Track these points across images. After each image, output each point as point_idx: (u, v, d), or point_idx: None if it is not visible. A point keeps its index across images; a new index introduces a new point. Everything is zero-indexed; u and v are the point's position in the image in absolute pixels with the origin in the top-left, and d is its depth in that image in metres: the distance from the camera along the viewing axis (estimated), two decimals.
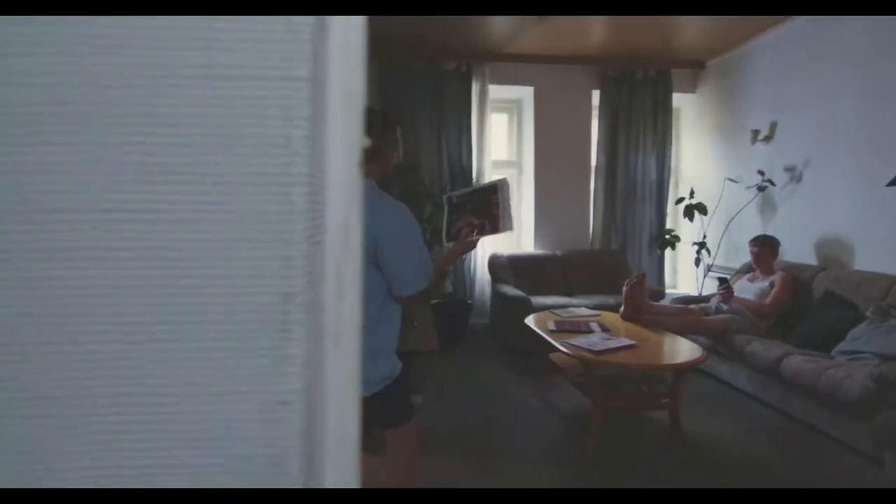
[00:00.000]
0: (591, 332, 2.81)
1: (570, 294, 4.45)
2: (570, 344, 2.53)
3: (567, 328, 2.90)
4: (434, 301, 4.46)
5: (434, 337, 3.01)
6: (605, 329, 2.87)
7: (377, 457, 1.67)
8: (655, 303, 3.54)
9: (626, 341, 2.56)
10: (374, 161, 1.60)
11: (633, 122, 4.88)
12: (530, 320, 3.20)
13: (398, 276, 1.48)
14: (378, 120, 1.63)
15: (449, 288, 4.60)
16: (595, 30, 4.14)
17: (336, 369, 0.31)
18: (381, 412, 1.62)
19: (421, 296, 1.52)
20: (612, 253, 4.90)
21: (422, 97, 4.57)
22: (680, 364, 2.41)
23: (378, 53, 4.47)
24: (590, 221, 5.02)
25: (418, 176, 4.47)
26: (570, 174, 4.95)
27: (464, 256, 4.59)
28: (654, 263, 5.02)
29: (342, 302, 0.31)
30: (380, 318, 1.54)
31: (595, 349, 2.42)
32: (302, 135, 0.24)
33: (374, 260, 1.49)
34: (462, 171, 4.66)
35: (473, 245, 1.81)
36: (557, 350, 2.59)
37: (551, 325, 2.97)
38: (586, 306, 3.88)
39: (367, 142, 1.32)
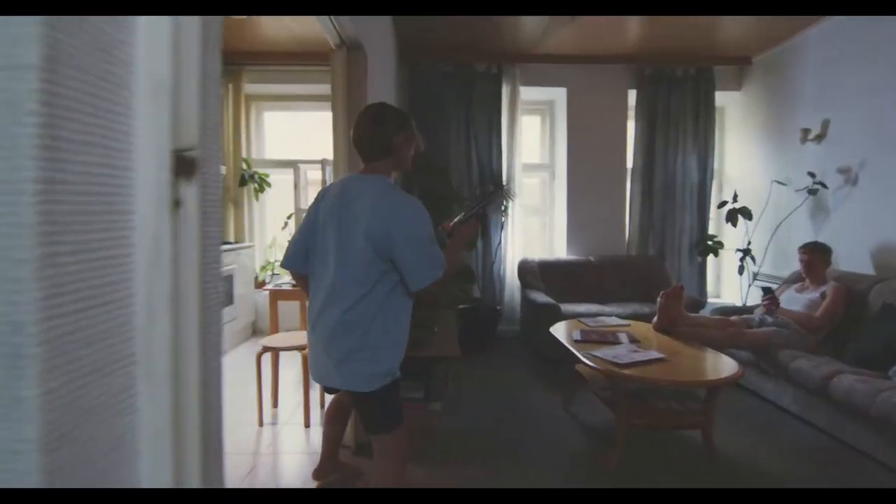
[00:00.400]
0: (618, 343, 2.68)
1: (603, 302, 4.29)
2: (594, 355, 2.41)
3: (593, 338, 2.78)
4: (462, 306, 4.41)
5: (455, 343, 2.95)
6: (634, 340, 2.73)
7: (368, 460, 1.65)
8: (693, 314, 3.34)
9: (655, 354, 2.42)
10: (386, 157, 1.62)
11: (672, 122, 4.66)
12: (556, 329, 3.09)
13: (414, 269, 1.50)
14: (390, 116, 1.62)
15: (477, 293, 4.53)
16: (631, 28, 3.98)
17: (151, 409, 0.27)
18: (371, 414, 1.61)
19: (437, 285, 1.53)
20: (650, 259, 4.69)
21: (451, 100, 4.53)
22: (712, 381, 2.25)
23: (406, 57, 4.47)
24: (625, 226, 4.83)
25: (447, 178, 4.43)
26: (604, 177, 4.78)
27: (493, 260, 4.52)
28: (695, 271, 4.77)
29: (154, 326, 0.26)
30: (382, 311, 1.54)
31: (620, 362, 2.29)
32: (30, 133, 0.20)
33: (384, 254, 1.51)
34: (492, 173, 4.58)
35: (472, 229, 1.87)
36: (581, 361, 2.47)
37: (576, 335, 2.85)
38: (620, 315, 3.72)
39: (381, 139, 1.58)
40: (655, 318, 3.02)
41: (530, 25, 3.93)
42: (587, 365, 2.38)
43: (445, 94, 4.52)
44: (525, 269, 4.49)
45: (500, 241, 4.55)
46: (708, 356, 2.52)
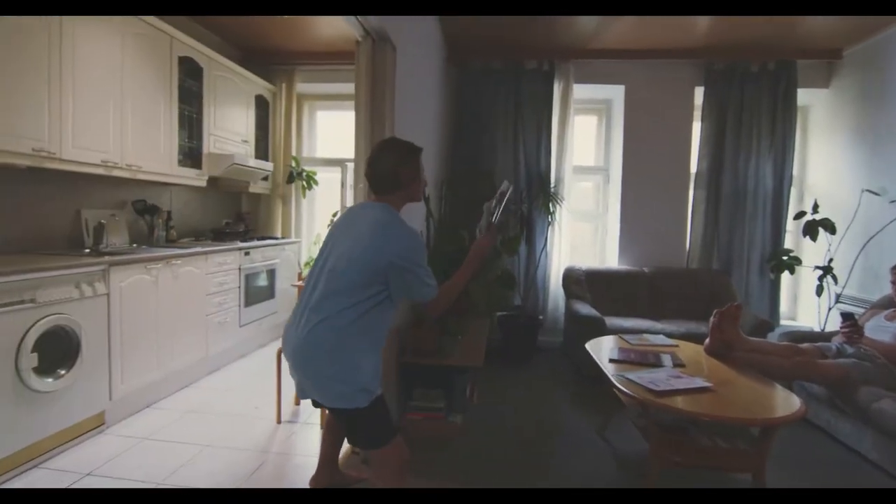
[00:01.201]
0: (659, 365, 2.39)
1: (654, 318, 3.94)
2: (627, 378, 2.15)
3: (632, 358, 2.50)
4: (501, 313, 4.22)
5: (480, 352, 2.77)
6: (678, 364, 2.43)
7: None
8: (755, 338, 2.95)
9: (700, 382, 2.12)
10: (395, 190, 1.69)
11: (744, 123, 4.21)
12: (593, 345, 2.83)
13: (415, 289, 1.58)
14: (396, 150, 1.70)
15: (517, 300, 4.31)
16: (699, 19, 3.62)
17: None
18: (358, 430, 1.61)
19: (430, 305, 1.64)
20: (713, 273, 4.26)
21: (499, 99, 4.35)
22: (764, 420, 1.93)
23: (454, 56, 4.34)
24: (686, 236, 4.42)
25: (490, 182, 4.25)
26: (664, 181, 4.40)
27: (536, 266, 4.29)
28: (766, 289, 4.28)
29: None
30: (360, 327, 1.54)
31: (656, 388, 2.03)
32: None
33: (379, 277, 1.55)
34: (539, 176, 4.35)
35: (486, 242, 1.88)
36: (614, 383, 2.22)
37: (614, 353, 2.58)
38: (670, 334, 3.39)
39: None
40: (707, 340, 2.69)
41: (585, 19, 3.68)
42: (618, 389, 2.12)
43: (494, 94, 4.35)
44: (570, 277, 4.22)
45: (544, 246, 4.30)
46: (764, 388, 2.18)
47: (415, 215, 2.87)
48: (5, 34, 2.22)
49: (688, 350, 2.75)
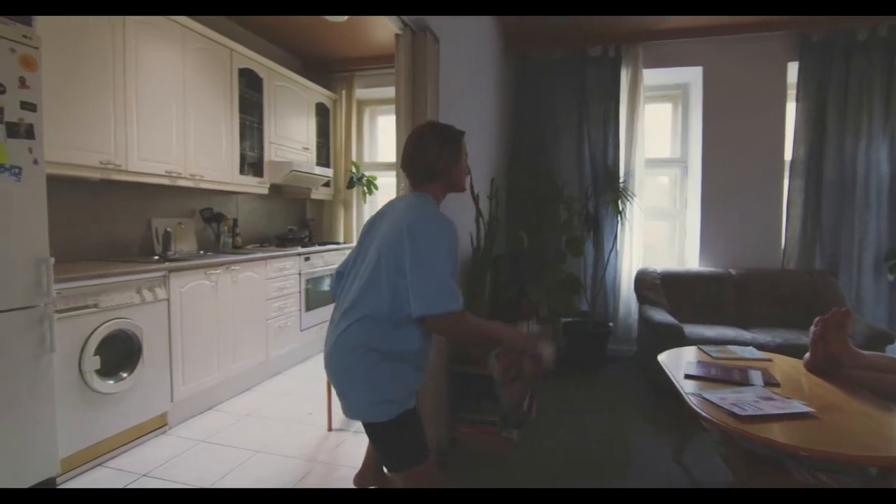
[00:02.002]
0: (747, 384, 2.05)
1: (743, 326, 3.49)
2: (706, 399, 1.85)
3: (713, 374, 2.17)
4: (565, 319, 3.95)
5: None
6: (771, 382, 2.07)
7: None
8: (870, 351, 2.48)
9: (799, 406, 1.77)
10: (432, 181, 1.53)
11: (851, 101, 3.64)
12: (667, 357, 2.52)
13: (418, 287, 1.31)
14: (432, 138, 1.53)
15: (584, 305, 4.01)
16: None
17: None
18: (381, 447, 1.45)
19: (445, 322, 1.31)
20: (816, 275, 3.71)
21: (561, 91, 4.09)
22: (886, 458, 1.56)
23: (511, 47, 4.14)
24: (781, 232, 3.90)
25: (552, 178, 4.00)
26: (752, 172, 3.91)
27: (604, 269, 3.97)
28: (883, 293, 3.67)
29: None
30: (389, 330, 1.38)
31: (741, 413, 1.71)
32: None
33: (397, 270, 1.36)
34: (607, 171, 4.03)
35: (522, 343, 1.51)
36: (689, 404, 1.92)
37: (692, 368, 2.26)
38: (761, 345, 2.97)
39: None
40: (807, 355, 2.29)
41: None
42: (695, 410, 1.83)
43: (554, 85, 4.10)
44: (644, 280, 3.85)
45: (613, 247, 3.97)
46: (883, 415, 1.78)
47: (463, 215, 2.72)
48: (73, 55, 2.35)
49: (783, 365, 2.36)
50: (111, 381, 2.29)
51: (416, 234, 1.34)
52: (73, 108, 2.37)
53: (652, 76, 4.02)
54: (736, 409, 1.73)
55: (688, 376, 2.17)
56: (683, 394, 1.96)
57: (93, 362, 2.19)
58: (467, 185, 1.66)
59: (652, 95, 4.22)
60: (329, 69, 4.79)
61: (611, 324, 4.07)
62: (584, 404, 3.15)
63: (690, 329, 3.34)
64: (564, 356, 3.81)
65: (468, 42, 3.04)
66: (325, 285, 4.17)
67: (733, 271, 3.85)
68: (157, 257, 2.97)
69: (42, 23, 2.16)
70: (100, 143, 2.51)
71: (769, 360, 2.44)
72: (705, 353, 2.57)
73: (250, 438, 2.57)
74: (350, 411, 1.41)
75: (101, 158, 2.52)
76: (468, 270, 2.73)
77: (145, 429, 2.52)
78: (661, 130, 4.44)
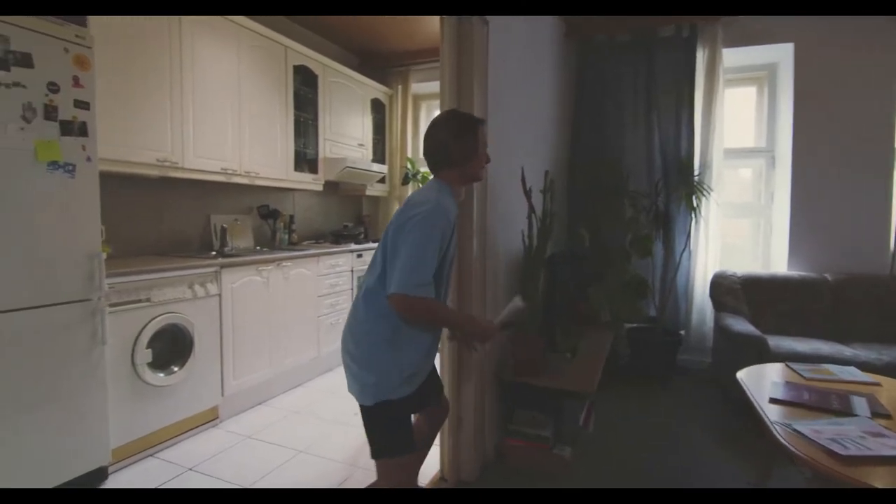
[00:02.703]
0: (849, 413, 1.73)
1: (842, 340, 3.04)
2: (797, 431, 1.56)
3: (806, 400, 1.85)
4: (630, 325, 3.65)
5: (594, 375, 2.33)
6: (879, 412, 1.73)
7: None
8: None
9: None
10: (448, 168, 1.52)
11: None
12: (748, 374, 2.21)
13: (393, 265, 1.34)
14: (449, 124, 1.53)
15: (652, 311, 3.69)
16: None
17: None
18: (367, 432, 1.47)
19: (401, 303, 1.31)
20: None
21: (628, 75, 3.77)
22: None
23: (574, 29, 3.86)
24: (890, 232, 3.37)
25: (619, 170, 3.70)
26: (853, 163, 3.41)
27: (676, 269, 3.62)
28: None
29: None
30: (384, 319, 1.39)
31: (843, 452, 1.42)
32: None
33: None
34: (679, 163, 3.66)
35: (484, 331, 1.60)
36: (774, 432, 1.64)
37: (779, 390, 1.95)
38: (872, 364, 2.58)
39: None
40: None
41: None
42: (782, 443, 1.55)
43: (621, 69, 3.78)
44: (722, 285, 3.47)
45: (686, 247, 3.61)
46: None
47: (516, 211, 2.54)
48: (129, 53, 2.42)
49: (894, 392, 1.98)
50: (162, 374, 2.34)
51: (405, 217, 1.36)
52: (130, 106, 2.43)
53: (732, 56, 3.61)
54: (835, 447, 1.44)
55: (774, 400, 1.87)
56: (768, 422, 1.67)
57: (145, 355, 2.24)
58: (483, 176, 1.66)
59: (733, 78, 3.79)
60: (385, 64, 4.74)
61: (682, 332, 3.71)
62: (649, 421, 2.87)
63: (776, 342, 2.95)
64: (628, 365, 3.52)
65: (523, 24, 2.84)
66: None
67: (829, 276, 3.38)
68: (214, 253, 3.03)
69: (97, 21, 2.22)
70: (156, 141, 2.57)
71: (877, 384, 2.07)
72: (795, 371, 2.22)
73: (296, 437, 2.54)
74: (352, 388, 1.47)
75: (158, 156, 2.58)
76: (519, 269, 2.55)
77: (197, 421, 2.56)
78: (742, 117, 3.98)
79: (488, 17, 2.21)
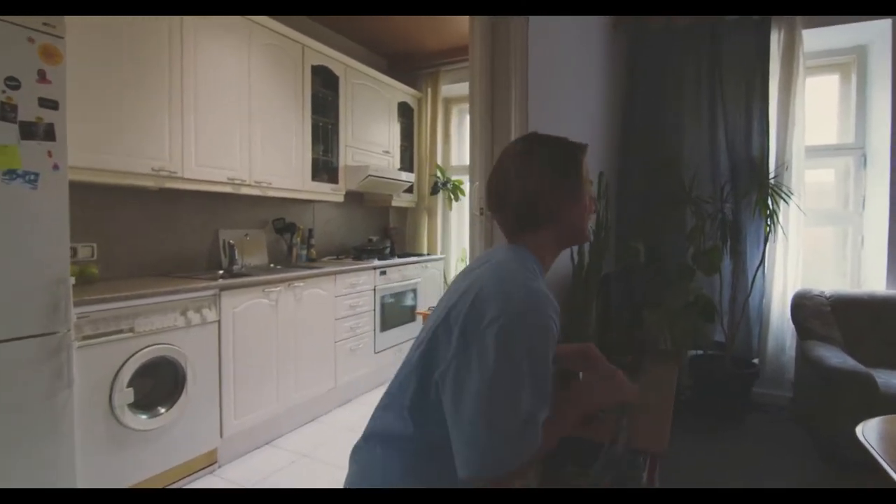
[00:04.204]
0: None
1: None
2: None
3: None
4: (693, 353, 3.13)
5: (665, 427, 1.86)
6: None
7: None
8: None
9: None
10: (536, 226, 0.96)
11: None
12: (870, 431, 1.69)
13: (454, 432, 0.79)
14: (537, 157, 0.96)
15: (719, 335, 3.16)
16: None
17: None
18: None
19: (495, 483, 0.78)
20: None
21: (687, 65, 3.28)
22: None
23: (624, 17, 3.42)
24: None
25: (677, 172, 3.21)
26: None
27: (748, 289, 3.08)
28: None
29: None
30: (409, 467, 0.88)
31: None
32: None
33: (430, 381, 0.86)
34: (750, 164, 3.15)
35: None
36: None
37: None
38: None
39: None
40: None
41: None
42: None
43: (679, 58, 3.30)
44: (807, 306, 2.92)
45: (761, 263, 3.07)
46: None
47: None
48: (121, 49, 2.15)
49: None
50: (145, 417, 2.01)
51: (470, 331, 0.80)
52: (119, 108, 2.16)
53: (814, 39, 3.08)
54: None
55: None
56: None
57: (125, 395, 1.93)
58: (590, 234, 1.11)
59: (813, 65, 3.26)
60: (414, 66, 4.41)
61: (755, 360, 3.17)
62: (721, 470, 2.36)
63: (885, 378, 2.40)
64: (692, 402, 3.00)
65: (567, 18, 2.43)
66: (405, 301, 3.76)
67: None
68: (221, 272, 2.73)
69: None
70: (152, 148, 2.29)
71: None
72: None
73: (302, 486, 2.18)
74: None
75: (154, 165, 2.30)
76: (566, 292, 2.12)
77: (191, 468, 2.23)
78: (821, 110, 3.42)
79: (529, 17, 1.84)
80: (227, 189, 2.69)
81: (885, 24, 2.95)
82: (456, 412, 0.78)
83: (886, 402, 2.21)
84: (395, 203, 4.20)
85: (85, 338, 1.80)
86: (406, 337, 3.74)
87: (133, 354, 1.96)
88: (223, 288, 2.33)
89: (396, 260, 3.71)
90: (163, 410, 2.07)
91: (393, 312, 3.60)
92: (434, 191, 4.37)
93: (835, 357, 2.48)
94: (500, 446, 0.76)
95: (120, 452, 1.93)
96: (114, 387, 1.89)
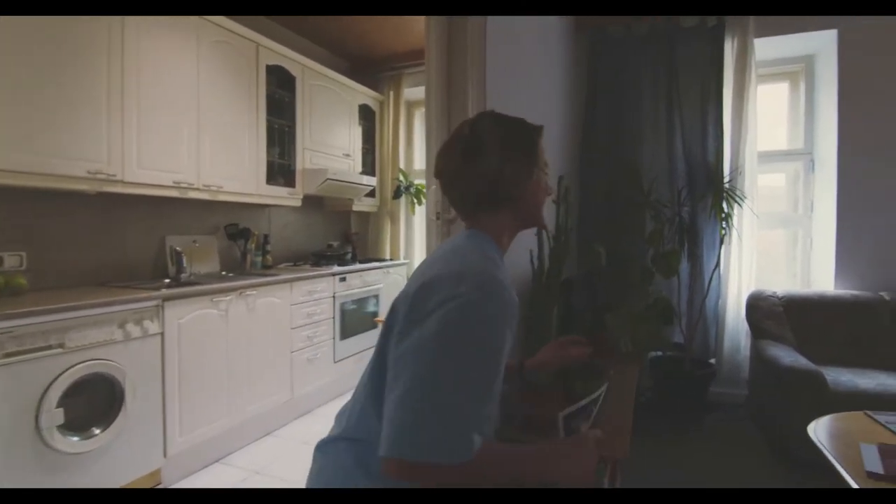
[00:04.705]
0: None
1: None
2: None
3: None
4: (653, 354, 3.16)
5: (625, 433, 1.85)
6: None
7: None
8: None
9: None
10: (492, 209, 0.94)
11: None
12: (820, 428, 1.72)
13: (388, 412, 0.73)
14: (491, 135, 0.93)
15: (678, 337, 3.20)
16: None
17: None
18: None
19: (412, 474, 0.71)
20: None
21: (646, 71, 3.33)
22: None
23: (586, 19, 3.44)
24: None
25: (636, 176, 3.24)
26: None
27: (705, 291, 3.13)
28: None
29: None
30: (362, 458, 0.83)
31: None
32: None
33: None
34: (706, 169, 3.21)
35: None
36: None
37: (874, 460, 1.46)
38: None
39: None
40: None
41: None
42: None
43: (638, 64, 3.35)
44: (760, 307, 2.99)
45: (717, 265, 3.13)
46: None
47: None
48: (54, 46, 2.00)
49: None
50: (77, 439, 1.86)
51: (416, 312, 0.77)
52: (48, 107, 2.00)
53: (766, 47, 3.17)
54: None
55: (873, 475, 1.39)
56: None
57: (54, 416, 1.77)
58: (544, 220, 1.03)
59: (763, 74, 3.36)
60: (376, 69, 4.34)
61: (712, 360, 3.22)
62: (681, 470, 2.37)
63: (833, 376, 2.47)
64: (652, 403, 3.02)
65: (527, 19, 2.42)
66: (367, 308, 3.67)
67: (886, 295, 2.90)
68: (168, 281, 2.59)
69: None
70: (88, 150, 2.14)
71: None
72: (882, 425, 1.73)
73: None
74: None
75: (90, 168, 2.15)
76: (528, 299, 2.08)
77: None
78: (772, 116, 3.54)
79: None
80: (174, 193, 2.55)
81: (831, 34, 3.06)
82: (390, 391, 0.74)
83: (836, 400, 2.26)
84: (356, 207, 4.11)
85: (7, 355, 1.65)
86: (368, 344, 3.64)
87: (63, 372, 1.81)
88: (166, 298, 2.19)
89: (357, 266, 3.61)
90: (97, 431, 1.92)
91: (354, 320, 3.50)
92: (397, 195, 4.30)
93: (787, 356, 2.53)
94: (419, 431, 0.70)
95: (49, 477, 1.78)
96: (41, 407, 1.74)
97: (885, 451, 1.51)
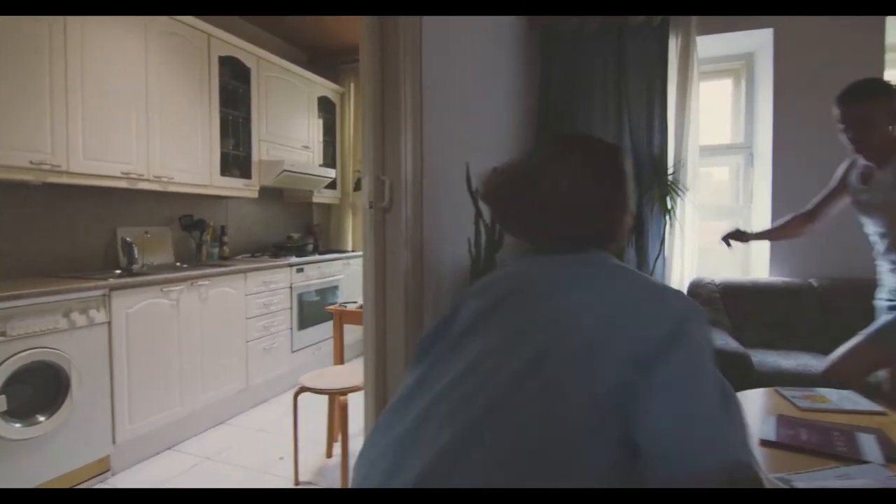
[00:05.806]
0: (858, 458, 1.38)
1: (829, 353, 2.72)
2: (791, 486, 1.20)
3: (804, 441, 1.51)
4: None
5: None
6: (894, 458, 1.39)
7: None
8: None
9: None
10: (608, 242, 0.89)
11: None
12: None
13: (680, 434, 0.62)
14: (607, 162, 0.89)
15: None
16: None
17: None
18: None
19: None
20: None
21: (596, 68, 3.44)
22: None
23: (537, 20, 3.54)
24: None
25: None
26: (838, 158, 3.12)
27: (650, 274, 3.26)
28: None
29: None
30: None
31: None
32: None
33: (618, 398, 0.66)
34: (651, 160, 3.35)
35: None
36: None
37: (770, 428, 1.60)
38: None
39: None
40: None
41: None
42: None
43: (589, 61, 3.45)
44: (699, 293, 3.15)
45: (660, 253, 3.28)
46: None
47: (459, 216, 2.17)
48: None
49: None
50: (19, 425, 1.88)
51: (675, 343, 0.68)
52: None
53: (707, 46, 3.32)
54: None
55: (766, 443, 1.52)
56: (763, 478, 1.31)
57: None
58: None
59: (707, 70, 3.51)
60: (335, 60, 4.36)
61: None
62: None
63: (760, 357, 2.63)
64: None
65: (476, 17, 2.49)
66: (328, 299, 3.71)
67: (815, 282, 3.08)
68: (119, 272, 2.60)
69: None
70: (30, 140, 2.14)
71: (882, 412, 1.73)
72: (787, 399, 1.88)
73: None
74: None
75: (33, 158, 2.15)
76: (465, 288, 2.17)
77: (80, 476, 2.11)
78: (718, 112, 3.70)
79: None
80: (123, 184, 2.56)
81: (768, 32, 3.22)
82: (690, 403, 0.64)
83: (759, 378, 2.43)
84: (316, 199, 4.14)
85: None
86: (327, 335, 3.70)
87: (5, 360, 1.82)
88: (113, 287, 2.22)
89: (316, 257, 3.66)
90: (42, 418, 1.95)
91: (312, 310, 3.55)
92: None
93: (719, 340, 2.69)
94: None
95: None
96: None
97: (783, 422, 1.65)
